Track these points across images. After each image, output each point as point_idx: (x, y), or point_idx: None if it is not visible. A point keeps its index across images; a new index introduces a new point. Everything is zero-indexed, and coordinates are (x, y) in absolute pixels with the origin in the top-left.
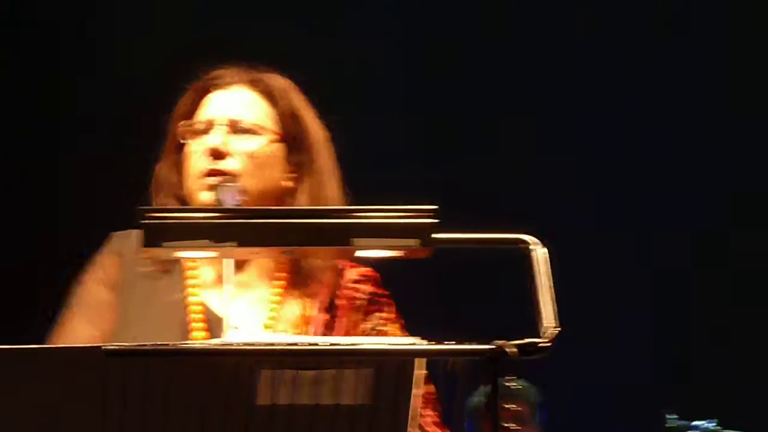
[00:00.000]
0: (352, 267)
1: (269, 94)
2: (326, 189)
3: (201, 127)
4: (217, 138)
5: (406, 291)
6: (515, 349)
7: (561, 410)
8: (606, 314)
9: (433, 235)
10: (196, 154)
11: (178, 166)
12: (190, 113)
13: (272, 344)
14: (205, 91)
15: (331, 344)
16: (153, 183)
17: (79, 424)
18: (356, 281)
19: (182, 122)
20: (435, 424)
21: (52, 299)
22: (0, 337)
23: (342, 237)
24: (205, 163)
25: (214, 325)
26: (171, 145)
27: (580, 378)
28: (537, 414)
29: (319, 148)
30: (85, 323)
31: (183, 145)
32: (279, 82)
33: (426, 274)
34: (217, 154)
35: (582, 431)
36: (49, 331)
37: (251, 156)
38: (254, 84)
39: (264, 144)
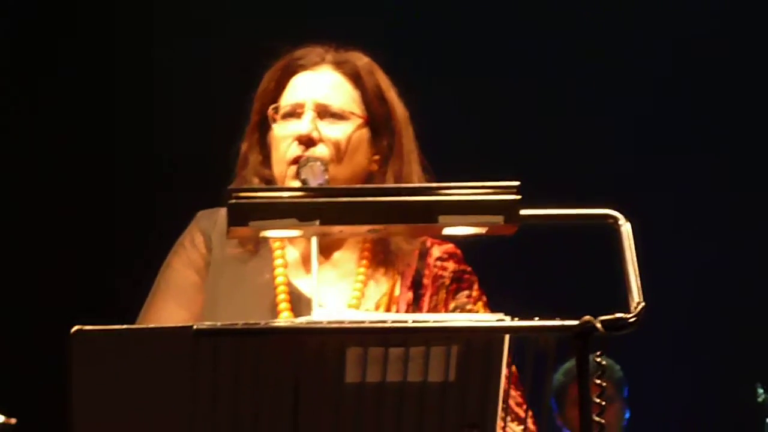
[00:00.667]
0: (437, 244)
1: (354, 76)
2: (410, 170)
3: (289, 110)
4: (306, 125)
5: (487, 267)
6: (605, 325)
7: (644, 387)
8: (688, 287)
9: (521, 212)
10: (285, 140)
11: (262, 145)
12: (276, 94)
13: (359, 322)
14: (290, 72)
15: (420, 321)
16: (238, 162)
17: (171, 403)
18: (441, 258)
19: (271, 106)
20: (518, 405)
21: (140, 280)
22: (90, 320)
23: (428, 214)
24: (295, 150)
25: (301, 304)
26: (255, 125)
27: (663, 353)
28: (622, 390)
29: (402, 129)
30: (174, 306)
31: (267, 124)
32: (363, 61)
33: (503, 250)
34: (308, 141)
35: (668, 408)
36: (138, 314)
37: (340, 142)
38: (339, 65)
39: (352, 129)
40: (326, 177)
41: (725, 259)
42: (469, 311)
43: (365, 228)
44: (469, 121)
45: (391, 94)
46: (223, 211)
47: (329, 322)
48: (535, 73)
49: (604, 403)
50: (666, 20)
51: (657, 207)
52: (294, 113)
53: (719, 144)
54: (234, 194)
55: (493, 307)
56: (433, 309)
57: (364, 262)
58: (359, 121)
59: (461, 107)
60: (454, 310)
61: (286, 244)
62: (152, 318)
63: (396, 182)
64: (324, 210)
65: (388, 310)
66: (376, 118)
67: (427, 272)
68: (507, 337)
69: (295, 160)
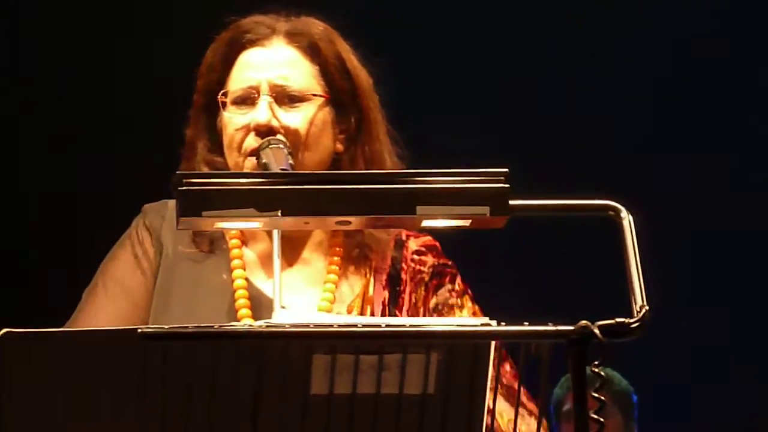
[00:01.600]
0: (413, 236)
1: (312, 48)
2: (380, 146)
3: (241, 94)
4: (263, 113)
5: (470, 264)
6: (604, 331)
7: (649, 401)
8: (697, 291)
9: (510, 202)
10: (240, 130)
11: (210, 130)
12: (222, 73)
13: (327, 326)
14: (237, 46)
15: (395, 325)
16: (183, 150)
17: (116, 412)
18: (418, 252)
19: (219, 90)
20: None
21: (79, 279)
22: (26, 319)
23: (405, 204)
24: (252, 142)
25: (263, 308)
26: (200, 107)
27: (671, 365)
28: (631, 409)
29: (369, 102)
30: (113, 308)
31: (213, 105)
32: (319, 29)
33: (489, 245)
34: (266, 131)
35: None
36: (70, 317)
37: (302, 129)
38: (293, 37)
39: (313, 112)
40: (290, 162)
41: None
42: (452, 306)
43: (333, 220)
44: (455, 107)
45: (354, 64)
46: (172, 204)
47: (292, 326)
48: (535, 68)
49: (603, 420)
50: (667, 19)
51: (662, 203)
52: (247, 98)
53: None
54: (185, 180)
55: (480, 306)
56: (413, 308)
57: (336, 259)
58: (321, 100)
59: (445, 86)
60: (435, 308)
61: (246, 241)
62: (87, 322)
63: (366, 162)
64: (287, 199)
65: (362, 311)
66: (340, 94)
67: (404, 267)
68: (493, 344)
69: (253, 152)
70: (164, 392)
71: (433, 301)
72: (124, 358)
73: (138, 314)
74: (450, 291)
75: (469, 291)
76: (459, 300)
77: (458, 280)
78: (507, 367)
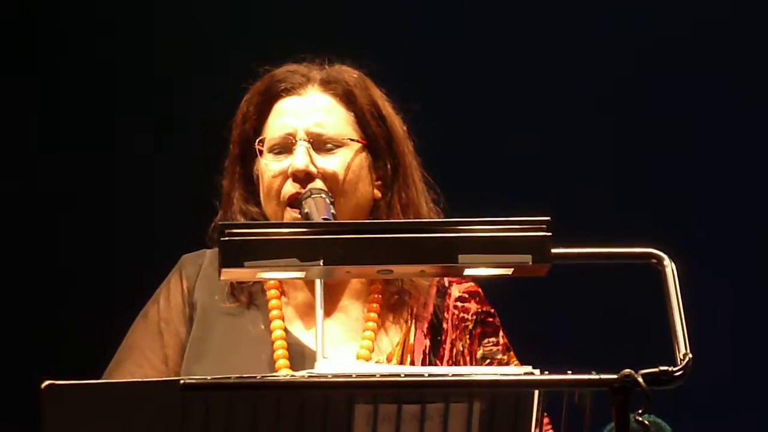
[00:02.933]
0: (455, 283)
1: (346, 96)
2: (416, 192)
3: (278, 142)
4: (301, 159)
5: (509, 311)
6: (647, 379)
7: None
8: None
9: (553, 250)
10: (278, 177)
11: (246, 180)
12: (257, 122)
13: (369, 375)
14: (272, 96)
15: (437, 374)
16: (221, 201)
17: None
18: (461, 299)
19: (256, 138)
20: None
21: (119, 327)
22: (61, 372)
23: (447, 253)
24: (290, 188)
25: (302, 359)
26: (235, 157)
27: (714, 411)
28: None
29: (404, 148)
30: (147, 367)
31: (249, 155)
32: (353, 77)
33: (529, 290)
34: (304, 177)
35: None
36: (105, 370)
37: (339, 174)
38: (328, 86)
39: (350, 157)
40: (333, 211)
41: None
42: (500, 362)
43: (375, 269)
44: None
45: (388, 110)
46: (209, 253)
47: (334, 376)
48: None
49: None
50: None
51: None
52: (285, 145)
53: None
54: (227, 231)
55: (521, 359)
56: (456, 357)
57: (375, 306)
58: (357, 146)
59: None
60: (482, 360)
61: (285, 292)
62: (120, 377)
63: (403, 208)
64: (329, 248)
65: (402, 361)
66: (376, 140)
67: (446, 315)
68: (536, 393)
69: (291, 200)
70: None
71: (480, 352)
72: (164, 409)
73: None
74: (496, 345)
75: (510, 345)
76: (505, 356)
77: (501, 332)
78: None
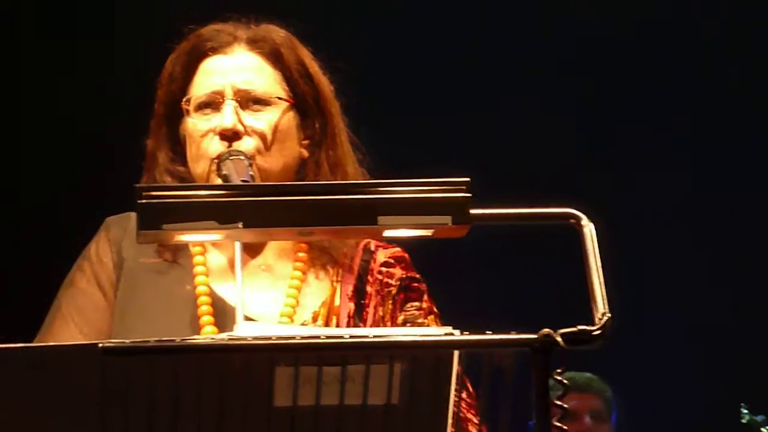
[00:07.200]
0: (382, 248)
1: (274, 54)
2: (344, 152)
3: (205, 100)
4: (229, 117)
5: (432, 273)
6: (566, 339)
7: (628, 407)
8: (671, 301)
9: (472, 211)
10: (206, 135)
11: (172, 140)
12: (184, 82)
13: (289, 337)
14: (199, 55)
15: (358, 336)
16: (145, 161)
17: (77, 429)
18: (387, 264)
19: (183, 97)
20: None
21: (41, 293)
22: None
23: (367, 215)
24: (218, 147)
25: (227, 317)
26: (161, 117)
27: (643, 370)
28: (610, 414)
29: (331, 108)
30: (76, 331)
31: (175, 115)
32: (280, 36)
33: (451, 253)
34: (232, 135)
35: (651, 428)
36: (37, 335)
37: (267, 133)
38: (255, 44)
39: (278, 116)
40: (251, 173)
41: (704, 267)
42: (419, 326)
43: (295, 231)
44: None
45: (315, 69)
46: (134, 216)
47: (255, 338)
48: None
49: (566, 427)
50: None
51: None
52: (211, 103)
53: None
54: (144, 193)
55: (442, 319)
56: (378, 322)
57: (299, 265)
58: (285, 104)
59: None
60: (403, 324)
61: (209, 249)
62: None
63: (330, 167)
64: (248, 210)
65: (327, 321)
66: (303, 99)
67: (370, 279)
68: (456, 353)
69: (220, 157)
70: (126, 408)
71: (401, 318)
72: (85, 373)
73: (101, 336)
74: (418, 309)
75: (435, 310)
76: (426, 320)
77: (426, 296)
78: (464, 395)
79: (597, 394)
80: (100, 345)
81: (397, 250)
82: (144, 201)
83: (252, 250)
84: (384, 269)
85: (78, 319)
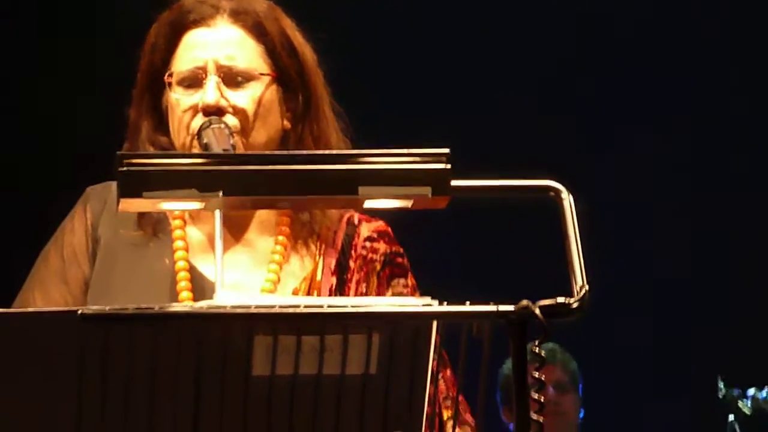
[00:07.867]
0: (365, 221)
1: (256, 27)
2: (327, 124)
3: (187, 75)
4: (212, 93)
5: (412, 244)
6: (544, 311)
7: (596, 380)
8: (643, 273)
9: (452, 183)
10: (188, 111)
11: (155, 110)
12: (166, 54)
13: (268, 306)
14: (181, 27)
15: (336, 306)
16: (127, 131)
17: (54, 398)
18: (370, 239)
19: (165, 70)
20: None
21: (20, 264)
22: None
23: (347, 185)
24: (199, 121)
25: (205, 292)
26: (144, 87)
27: (615, 342)
28: (577, 384)
29: (314, 79)
30: (50, 304)
31: (157, 85)
32: (262, 8)
33: (436, 225)
34: (215, 112)
35: (623, 404)
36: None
37: (250, 108)
38: (237, 17)
39: (261, 91)
40: (232, 142)
41: (681, 242)
42: None
43: (275, 200)
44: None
45: (299, 41)
46: (114, 186)
47: (233, 307)
48: (479, 38)
49: (543, 399)
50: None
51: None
52: (194, 78)
53: (679, 117)
54: (125, 161)
55: (420, 290)
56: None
57: (281, 239)
58: (268, 79)
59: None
60: None
61: (189, 223)
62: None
63: (314, 140)
64: (228, 179)
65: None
66: (286, 72)
67: (353, 254)
68: (435, 324)
69: (201, 126)
70: (104, 375)
71: (388, 293)
72: (63, 340)
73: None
74: (405, 286)
75: (416, 287)
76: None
77: (410, 274)
78: (448, 372)
79: (560, 365)
80: (79, 311)
81: (380, 224)
82: (125, 168)
83: (233, 227)
84: (368, 244)
85: (53, 292)
